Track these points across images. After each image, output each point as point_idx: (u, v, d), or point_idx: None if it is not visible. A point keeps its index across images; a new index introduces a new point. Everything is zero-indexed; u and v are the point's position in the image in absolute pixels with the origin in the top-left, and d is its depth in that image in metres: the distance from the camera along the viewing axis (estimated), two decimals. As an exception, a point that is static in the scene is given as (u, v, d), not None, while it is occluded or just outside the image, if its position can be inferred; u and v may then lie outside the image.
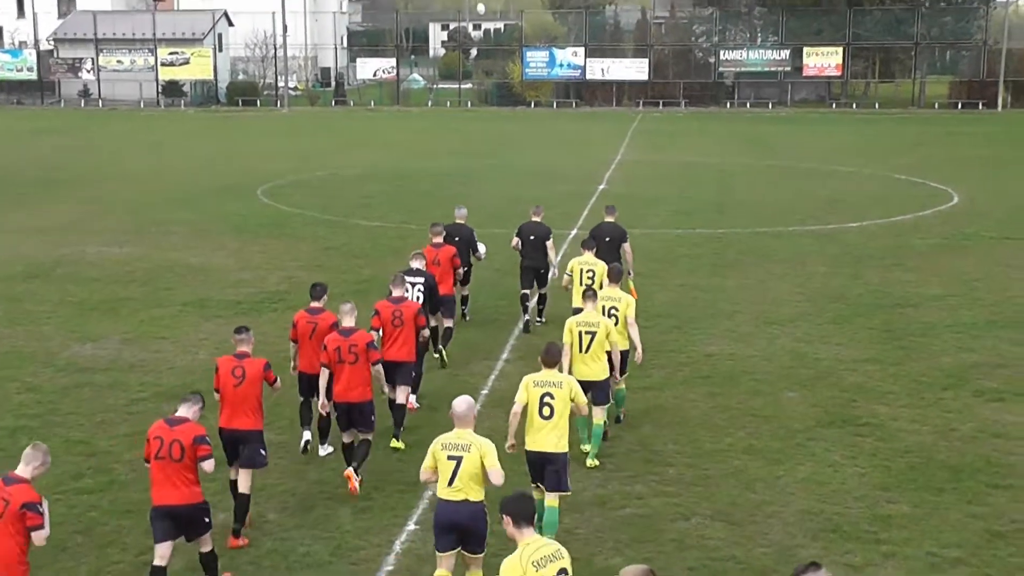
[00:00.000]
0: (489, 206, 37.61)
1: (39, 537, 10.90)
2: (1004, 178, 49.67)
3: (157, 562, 12.38)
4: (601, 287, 18.45)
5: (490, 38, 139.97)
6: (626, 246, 23.38)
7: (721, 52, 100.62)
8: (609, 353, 16.45)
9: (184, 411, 12.69)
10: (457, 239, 23.26)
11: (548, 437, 13.60)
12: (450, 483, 11.86)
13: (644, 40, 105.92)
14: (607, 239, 23.04)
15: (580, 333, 16.42)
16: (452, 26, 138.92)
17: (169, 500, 12.35)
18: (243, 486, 14.22)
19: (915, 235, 35.51)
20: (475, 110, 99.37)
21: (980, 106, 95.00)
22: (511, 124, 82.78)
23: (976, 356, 22.18)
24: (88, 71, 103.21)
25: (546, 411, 13.66)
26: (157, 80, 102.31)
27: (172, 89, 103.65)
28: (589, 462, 16.39)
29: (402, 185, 47.87)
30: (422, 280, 19.56)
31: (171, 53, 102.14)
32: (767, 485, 15.82)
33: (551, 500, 13.68)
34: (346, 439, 15.90)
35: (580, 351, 16.37)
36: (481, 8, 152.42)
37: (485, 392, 19.93)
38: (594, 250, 21.02)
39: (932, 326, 24.38)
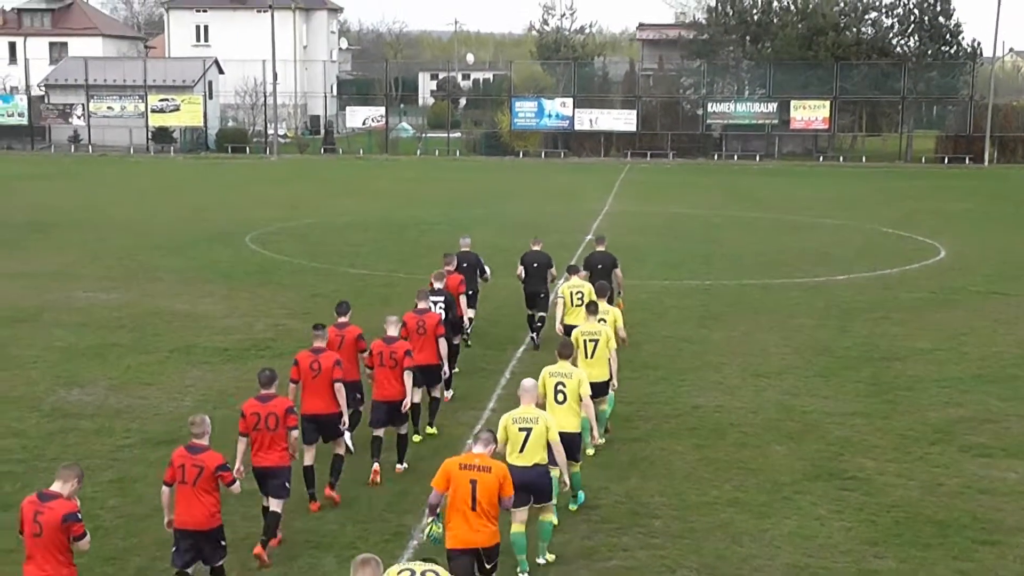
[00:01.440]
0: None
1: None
2: (991, 233, 49.85)
3: None
4: (589, 307, 19.76)
5: (479, 88, 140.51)
6: (617, 271, 25.94)
7: (709, 104, 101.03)
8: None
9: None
10: (465, 265, 25.80)
11: (564, 418, 15.33)
12: (521, 450, 14.21)
13: (632, 91, 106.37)
14: (599, 266, 25.58)
15: (584, 341, 18.55)
16: (441, 76, 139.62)
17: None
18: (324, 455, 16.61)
19: (902, 289, 35.59)
20: (463, 159, 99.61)
21: (967, 161, 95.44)
22: (499, 174, 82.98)
23: (963, 411, 22.19)
24: (79, 117, 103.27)
25: (560, 396, 16.02)
26: (147, 126, 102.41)
27: (162, 135, 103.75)
28: (597, 439, 17.50)
29: (390, 234, 47.91)
30: (442, 298, 21.93)
31: (161, 100, 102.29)
32: (753, 539, 15.78)
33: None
34: (379, 433, 18.05)
35: (586, 357, 18.45)
36: (470, 58, 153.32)
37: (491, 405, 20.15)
38: (583, 275, 23.64)
39: (919, 380, 24.40)
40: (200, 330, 28.84)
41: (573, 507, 16.73)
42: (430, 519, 12.92)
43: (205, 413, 14.55)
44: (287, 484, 15.26)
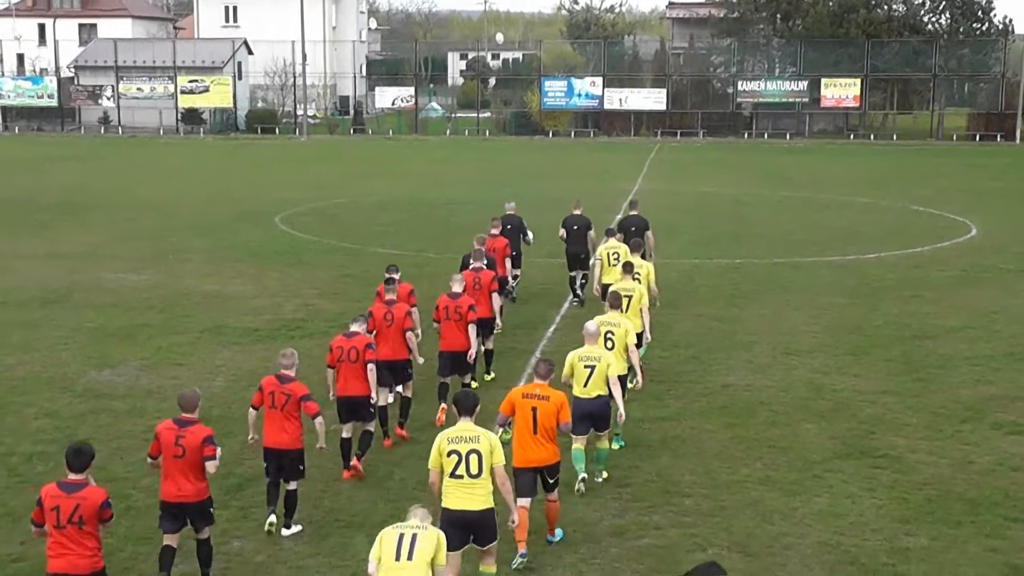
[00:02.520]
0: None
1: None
2: (1022, 211, 49.55)
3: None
4: (625, 267, 21.61)
5: (508, 67, 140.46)
6: (648, 234, 27.76)
7: (739, 83, 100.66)
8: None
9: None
10: (509, 227, 28.17)
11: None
12: (585, 384, 16.21)
13: (662, 70, 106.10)
14: (632, 228, 27.49)
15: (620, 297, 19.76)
16: (471, 55, 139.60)
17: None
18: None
19: (933, 267, 35.45)
20: (493, 139, 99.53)
21: (998, 138, 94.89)
22: (529, 153, 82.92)
23: (994, 389, 22.11)
24: (108, 98, 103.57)
25: (609, 343, 17.39)
26: (177, 108, 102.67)
27: (191, 117, 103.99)
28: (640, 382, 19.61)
29: (419, 213, 47.96)
30: (487, 261, 23.43)
31: (191, 81, 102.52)
32: (784, 517, 15.77)
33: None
34: (446, 380, 19.90)
35: (622, 311, 19.34)
36: (500, 38, 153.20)
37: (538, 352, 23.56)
38: (618, 237, 25.59)
39: (950, 358, 24.32)
40: (230, 310, 28.94)
41: (616, 446, 18.09)
42: (500, 429, 15.04)
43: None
44: (371, 410, 17.40)
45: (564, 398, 14.47)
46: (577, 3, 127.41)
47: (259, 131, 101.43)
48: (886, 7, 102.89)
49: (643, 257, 24.03)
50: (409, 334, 19.04)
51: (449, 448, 12.74)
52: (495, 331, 22.84)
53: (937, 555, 14.60)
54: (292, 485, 15.35)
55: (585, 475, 16.28)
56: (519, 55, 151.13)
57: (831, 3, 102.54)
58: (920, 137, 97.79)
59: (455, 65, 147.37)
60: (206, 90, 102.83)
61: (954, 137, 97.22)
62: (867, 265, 35.81)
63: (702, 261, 35.86)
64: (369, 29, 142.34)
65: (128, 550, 14.69)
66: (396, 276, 20.85)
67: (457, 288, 20.20)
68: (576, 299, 29.11)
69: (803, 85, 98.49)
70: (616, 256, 24.17)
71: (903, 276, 33.90)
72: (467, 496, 12.69)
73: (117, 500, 16.04)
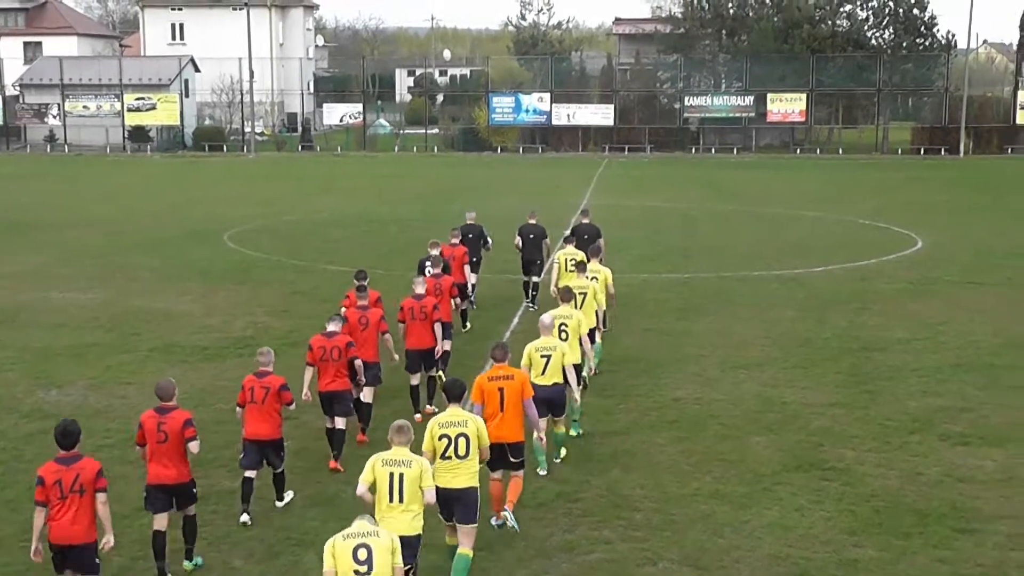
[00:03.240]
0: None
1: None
2: (967, 223, 50.00)
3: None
4: (580, 266, 23.47)
5: (456, 84, 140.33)
6: (600, 241, 27.89)
7: (686, 98, 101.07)
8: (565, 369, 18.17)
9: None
10: (471, 235, 29.77)
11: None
12: (543, 372, 17.54)
13: (610, 86, 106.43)
14: (585, 236, 28.55)
15: (575, 294, 20.78)
16: (418, 72, 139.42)
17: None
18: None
19: (880, 280, 35.69)
20: (441, 155, 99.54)
21: (942, 152, 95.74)
22: (477, 169, 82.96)
23: (942, 400, 22.27)
24: (54, 116, 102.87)
25: (563, 335, 18.65)
26: (123, 125, 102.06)
27: (138, 134, 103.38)
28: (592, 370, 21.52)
29: (369, 230, 47.87)
30: (443, 266, 24.84)
31: (137, 99, 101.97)
32: (734, 530, 15.82)
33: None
34: (415, 381, 21.12)
35: (576, 308, 20.47)
36: (447, 54, 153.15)
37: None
38: (574, 243, 26.99)
39: (898, 370, 24.48)
40: (179, 329, 28.76)
41: (573, 432, 19.49)
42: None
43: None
44: (351, 405, 18.59)
45: (526, 376, 15.84)
46: (524, 19, 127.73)
47: (206, 148, 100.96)
48: (830, 23, 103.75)
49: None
50: (387, 336, 20.25)
51: (440, 432, 13.90)
52: (463, 329, 26.10)
53: (886, 567, 14.68)
54: (279, 468, 16.55)
55: (545, 469, 17.80)
56: (467, 71, 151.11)
57: (776, 19, 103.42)
58: (865, 151, 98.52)
59: (403, 82, 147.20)
60: (153, 108, 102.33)
61: (899, 151, 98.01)
62: (815, 278, 36.01)
63: (651, 275, 35.95)
64: (316, 46, 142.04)
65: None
66: (366, 282, 21.73)
67: (420, 290, 21.68)
68: (530, 303, 30.51)
69: (749, 100, 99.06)
70: (574, 262, 24.98)
71: (850, 289, 34.10)
72: (452, 476, 13.84)
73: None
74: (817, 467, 18.30)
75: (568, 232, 29.45)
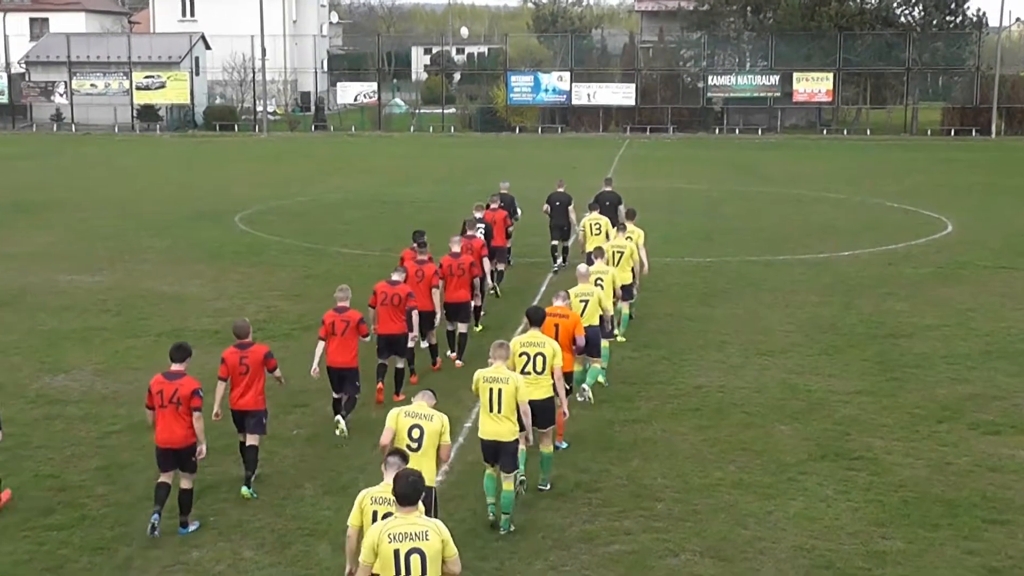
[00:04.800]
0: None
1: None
2: (998, 206, 49.84)
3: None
4: (608, 238, 26.87)
5: (474, 62, 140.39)
6: (621, 208, 31.14)
7: (710, 77, 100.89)
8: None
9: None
10: (502, 204, 31.97)
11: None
12: (581, 315, 19.53)
13: (631, 65, 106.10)
14: (607, 203, 31.41)
15: (613, 253, 24.70)
16: (435, 50, 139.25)
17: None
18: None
19: (908, 264, 35.58)
20: (458, 135, 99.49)
21: (973, 133, 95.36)
22: (495, 150, 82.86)
23: (971, 388, 22.20)
24: (61, 95, 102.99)
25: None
26: (132, 104, 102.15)
27: (147, 113, 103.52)
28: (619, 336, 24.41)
29: (383, 212, 47.88)
30: (483, 226, 28.78)
31: (146, 77, 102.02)
32: (758, 521, 15.78)
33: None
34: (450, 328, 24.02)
35: (615, 264, 24.32)
36: (465, 32, 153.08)
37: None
38: (598, 210, 29.67)
39: (926, 357, 24.40)
40: (189, 313, 28.80)
41: (603, 378, 21.36)
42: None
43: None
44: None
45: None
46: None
47: (217, 128, 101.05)
48: (858, 0, 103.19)
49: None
50: (438, 289, 22.87)
51: (521, 350, 16.66)
52: (491, 291, 28.48)
53: (914, 558, 14.63)
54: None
55: (587, 388, 19.81)
56: (484, 49, 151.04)
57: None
58: (894, 132, 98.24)
59: (419, 60, 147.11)
60: (162, 86, 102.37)
61: (928, 132, 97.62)
62: (841, 262, 35.92)
63: (673, 259, 35.86)
64: (330, 23, 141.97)
65: (83, 560, 14.58)
66: (424, 238, 24.30)
67: (456, 248, 24.22)
68: (557, 265, 33.82)
69: (774, 79, 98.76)
70: (598, 226, 28.47)
71: (878, 273, 34.01)
72: (533, 388, 16.20)
73: (71, 509, 16.03)
74: (843, 456, 18.25)
75: (592, 200, 31.04)
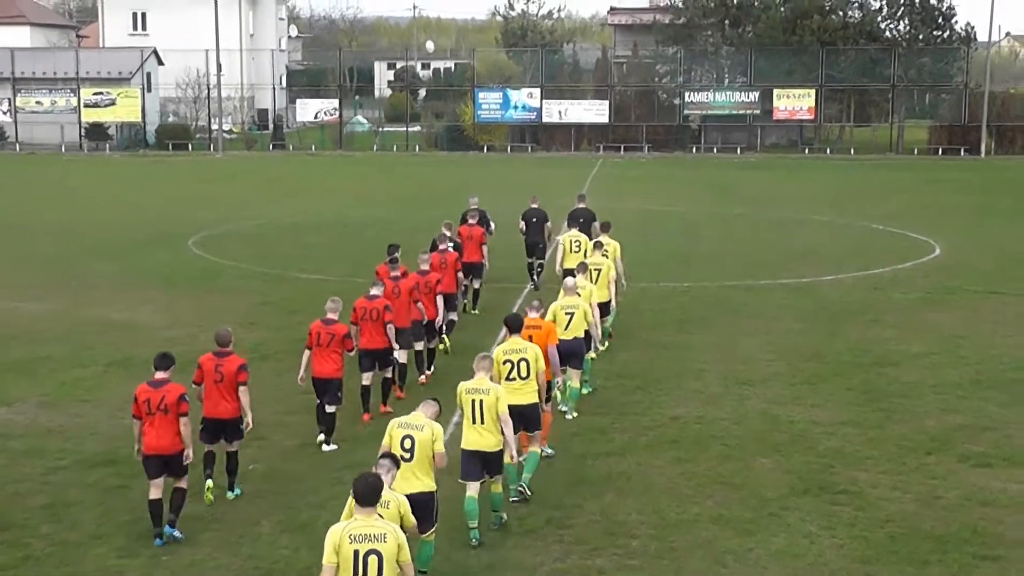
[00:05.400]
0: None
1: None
2: (989, 228, 50.12)
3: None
4: (585, 255, 27.76)
5: (440, 78, 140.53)
6: (596, 224, 31.84)
7: (686, 94, 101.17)
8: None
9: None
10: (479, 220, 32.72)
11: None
12: (566, 328, 21.41)
13: (604, 81, 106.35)
14: (580, 220, 32.54)
15: (591, 271, 25.45)
16: (399, 65, 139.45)
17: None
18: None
19: (895, 289, 35.72)
20: (424, 154, 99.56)
21: (962, 152, 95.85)
22: (462, 170, 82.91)
23: (961, 418, 22.27)
24: (4, 112, 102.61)
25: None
26: (80, 122, 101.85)
27: (96, 132, 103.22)
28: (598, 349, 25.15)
29: (345, 235, 47.85)
30: (451, 244, 29.26)
31: (95, 93, 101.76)
32: (738, 558, 15.79)
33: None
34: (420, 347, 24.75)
35: (592, 283, 24.90)
36: (430, 46, 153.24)
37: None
38: (577, 227, 31.14)
39: (914, 386, 24.48)
40: (140, 341, 28.63)
41: (586, 391, 23.21)
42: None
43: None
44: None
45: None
46: (512, 9, 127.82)
47: (170, 147, 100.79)
48: (841, 13, 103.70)
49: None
50: (419, 304, 23.96)
51: (504, 358, 17.99)
52: (473, 312, 31.12)
53: (902, 597, 14.66)
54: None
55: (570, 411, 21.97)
56: (451, 64, 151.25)
57: (783, 9, 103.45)
58: (879, 151, 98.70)
59: (382, 75, 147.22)
60: (112, 103, 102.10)
61: (915, 151, 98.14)
62: (825, 287, 36.05)
63: (648, 284, 35.90)
64: (289, 37, 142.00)
65: (27, 603, 14.49)
66: (397, 254, 25.28)
67: (425, 267, 25.27)
68: (533, 284, 34.63)
69: (754, 96, 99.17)
70: (578, 244, 29.55)
71: (863, 299, 34.13)
72: (518, 394, 17.62)
73: (14, 549, 15.95)
74: (827, 490, 18.28)
75: (567, 218, 32.90)
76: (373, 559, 11.32)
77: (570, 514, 17.28)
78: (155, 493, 16.25)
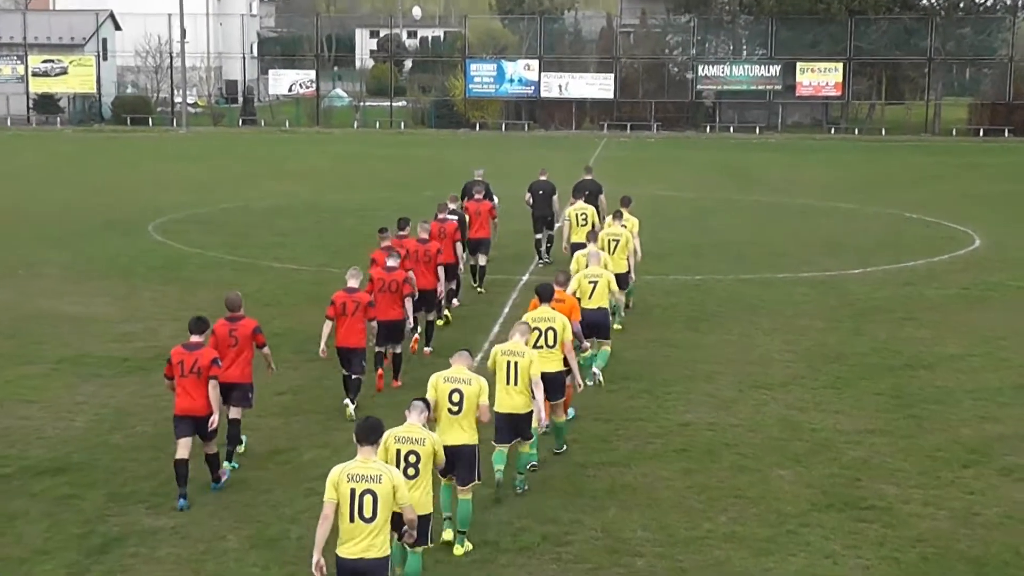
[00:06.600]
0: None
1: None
2: (1033, 218, 50.15)
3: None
4: (593, 227, 29.30)
5: (427, 48, 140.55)
6: (602, 198, 34.88)
7: (700, 67, 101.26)
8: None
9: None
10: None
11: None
12: (590, 297, 23.38)
13: (610, 52, 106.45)
14: (586, 192, 33.66)
15: (608, 242, 27.65)
16: (382, 33, 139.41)
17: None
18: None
19: (929, 284, 35.74)
20: (409, 132, 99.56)
21: (1006, 133, 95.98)
22: (452, 150, 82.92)
23: (1002, 427, 22.28)
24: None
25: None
26: (27, 93, 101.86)
27: (46, 104, 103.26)
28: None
29: (322, 221, 47.87)
30: (456, 216, 30.93)
31: (45, 61, 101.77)
32: (754, 580, 15.81)
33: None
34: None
35: (610, 254, 26.97)
36: (417, 12, 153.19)
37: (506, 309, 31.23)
38: (583, 199, 32.62)
39: (950, 392, 24.48)
40: (93, 336, 28.65)
41: (600, 364, 24.17)
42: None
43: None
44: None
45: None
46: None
47: (128, 122, 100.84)
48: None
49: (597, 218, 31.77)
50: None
51: (533, 326, 19.51)
52: (478, 291, 33.02)
53: (934, 624, 14.69)
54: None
55: (597, 371, 23.89)
56: (440, 33, 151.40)
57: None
58: (913, 131, 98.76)
59: (364, 45, 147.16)
60: (63, 72, 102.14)
61: (953, 132, 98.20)
62: (851, 282, 36.07)
63: (656, 277, 35.94)
64: (261, 1, 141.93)
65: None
66: (388, 233, 26.42)
67: (424, 235, 27.09)
68: (542, 260, 37.42)
69: (775, 70, 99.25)
70: (584, 217, 31.44)
71: (893, 295, 34.16)
72: (546, 361, 19.17)
73: (-46, 565, 15.85)
74: (853, 506, 18.28)
75: (573, 190, 34.19)
76: (368, 498, 12.86)
77: (569, 530, 17.27)
78: (182, 453, 17.85)
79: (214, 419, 17.98)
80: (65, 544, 16.51)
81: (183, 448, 17.87)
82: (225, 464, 19.14)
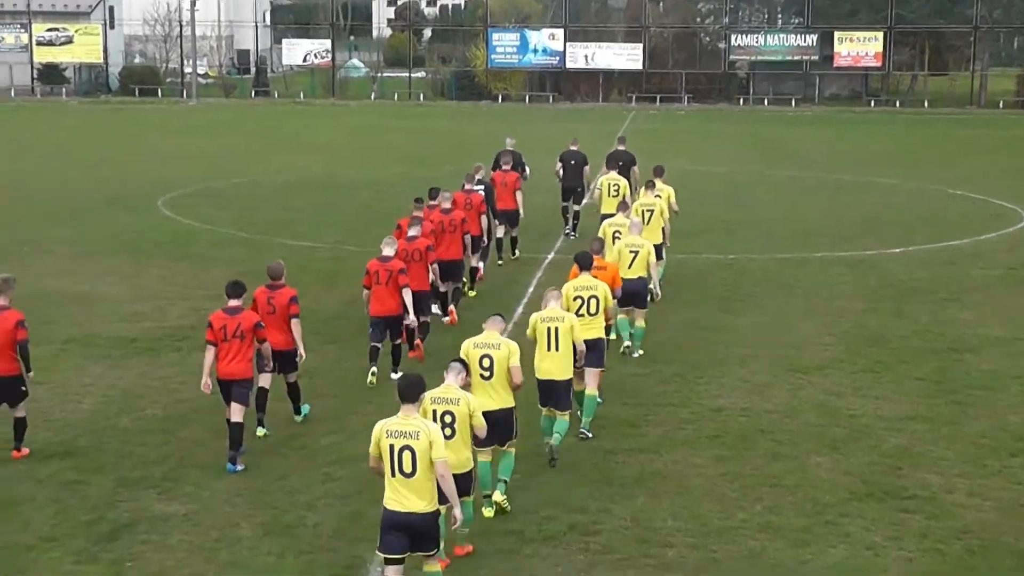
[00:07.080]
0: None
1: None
2: (1083, 195, 49.98)
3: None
4: (624, 199, 30.36)
5: (448, 16, 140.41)
6: (635, 168, 36.05)
7: (733, 36, 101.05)
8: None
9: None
10: (512, 162, 35.37)
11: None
12: (630, 266, 24.54)
13: (638, 21, 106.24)
14: (620, 162, 34.77)
15: (643, 212, 28.56)
16: (401, 1, 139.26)
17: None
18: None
19: (974, 264, 35.67)
20: (428, 104, 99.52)
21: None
22: (473, 122, 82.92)
23: (1051, 414, 22.25)
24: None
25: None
26: (32, 63, 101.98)
27: (51, 74, 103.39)
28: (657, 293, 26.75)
29: (338, 197, 47.91)
30: (482, 187, 31.96)
31: (50, 30, 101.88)
32: (790, 572, 15.80)
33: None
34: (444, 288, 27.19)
35: (645, 224, 27.67)
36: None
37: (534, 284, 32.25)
38: (616, 169, 33.71)
39: (996, 376, 24.42)
40: (101, 316, 28.74)
41: (638, 343, 25.43)
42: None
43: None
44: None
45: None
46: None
47: (136, 93, 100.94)
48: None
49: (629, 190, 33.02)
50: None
51: (575, 295, 20.54)
52: (512, 257, 34.85)
53: (979, 619, 14.68)
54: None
55: (628, 342, 25.27)
56: (461, 1, 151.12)
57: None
58: (958, 104, 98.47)
59: (381, 13, 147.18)
60: (69, 41, 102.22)
61: (1000, 104, 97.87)
62: (891, 262, 36.02)
63: (688, 256, 35.88)
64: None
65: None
66: (422, 203, 27.63)
67: (447, 205, 27.94)
68: (570, 231, 38.61)
69: (812, 40, 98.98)
70: (616, 188, 32.61)
71: (936, 275, 34.10)
72: (586, 329, 19.93)
73: (-42, 552, 15.94)
74: (894, 495, 18.25)
75: (606, 160, 35.12)
76: (407, 454, 13.71)
77: (596, 519, 17.27)
78: (236, 416, 19.04)
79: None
80: (73, 531, 16.56)
81: (236, 413, 19.01)
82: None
